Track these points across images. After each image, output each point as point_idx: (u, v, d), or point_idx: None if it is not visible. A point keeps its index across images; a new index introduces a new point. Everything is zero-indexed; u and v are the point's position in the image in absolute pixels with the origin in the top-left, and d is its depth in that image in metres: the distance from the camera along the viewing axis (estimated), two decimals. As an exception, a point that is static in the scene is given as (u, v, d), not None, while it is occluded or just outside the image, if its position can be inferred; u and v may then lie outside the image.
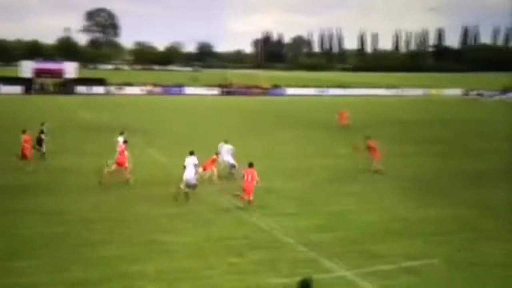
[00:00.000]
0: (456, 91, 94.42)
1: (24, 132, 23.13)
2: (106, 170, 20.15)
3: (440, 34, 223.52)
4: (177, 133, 32.18)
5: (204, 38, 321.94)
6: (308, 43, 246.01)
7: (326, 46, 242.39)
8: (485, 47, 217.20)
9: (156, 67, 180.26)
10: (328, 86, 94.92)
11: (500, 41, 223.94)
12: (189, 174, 17.88)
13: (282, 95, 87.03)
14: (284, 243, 13.88)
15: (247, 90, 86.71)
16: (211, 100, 70.91)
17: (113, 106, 57.10)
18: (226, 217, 16.24)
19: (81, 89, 77.55)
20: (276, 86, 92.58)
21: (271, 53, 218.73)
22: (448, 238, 14.51)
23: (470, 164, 26.02)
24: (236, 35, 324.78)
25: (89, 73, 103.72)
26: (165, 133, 28.28)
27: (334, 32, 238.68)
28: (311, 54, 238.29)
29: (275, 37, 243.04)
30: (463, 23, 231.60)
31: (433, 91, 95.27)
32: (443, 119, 50.11)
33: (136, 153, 26.29)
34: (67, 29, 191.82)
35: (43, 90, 76.35)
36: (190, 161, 18.10)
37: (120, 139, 23.47)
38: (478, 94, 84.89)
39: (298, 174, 22.15)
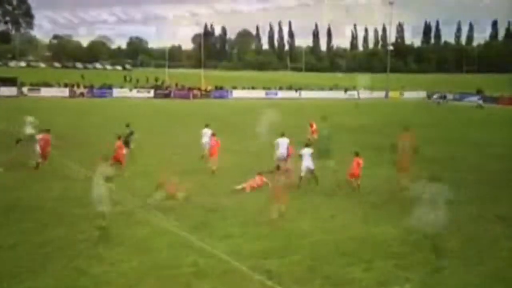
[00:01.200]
0: (419, 94, 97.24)
1: (119, 138, 25.16)
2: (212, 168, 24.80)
3: (401, 32, 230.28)
4: (101, 141, 31.43)
5: (137, 32, 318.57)
6: (257, 39, 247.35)
7: (276, 43, 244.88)
8: (447, 46, 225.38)
9: (79, 65, 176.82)
10: (279, 88, 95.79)
11: (463, 39, 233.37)
12: (309, 162, 22.82)
13: (226, 97, 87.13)
14: (236, 270, 13.69)
15: (186, 92, 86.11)
16: (144, 104, 69.94)
17: (30, 111, 55.11)
18: (167, 240, 15.85)
19: (-13, 90, 74.46)
20: (219, 88, 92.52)
21: (214, 50, 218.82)
22: (417, 260, 14.63)
23: (428, 174, 26.26)
24: (174, 29, 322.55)
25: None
26: (87, 143, 27.57)
27: (286, 27, 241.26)
28: (259, 52, 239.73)
29: (218, 31, 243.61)
30: (425, 19, 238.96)
31: (393, 94, 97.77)
32: (401, 124, 50.87)
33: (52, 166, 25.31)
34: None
35: None
36: (306, 152, 23.14)
37: (206, 131, 27.84)
38: (443, 97, 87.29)
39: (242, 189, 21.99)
